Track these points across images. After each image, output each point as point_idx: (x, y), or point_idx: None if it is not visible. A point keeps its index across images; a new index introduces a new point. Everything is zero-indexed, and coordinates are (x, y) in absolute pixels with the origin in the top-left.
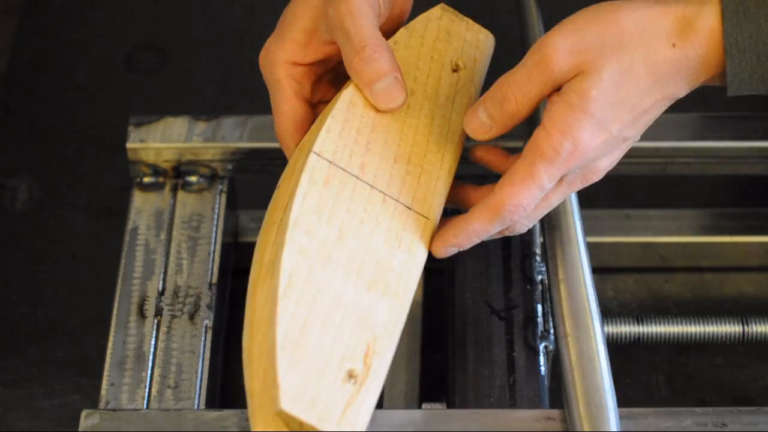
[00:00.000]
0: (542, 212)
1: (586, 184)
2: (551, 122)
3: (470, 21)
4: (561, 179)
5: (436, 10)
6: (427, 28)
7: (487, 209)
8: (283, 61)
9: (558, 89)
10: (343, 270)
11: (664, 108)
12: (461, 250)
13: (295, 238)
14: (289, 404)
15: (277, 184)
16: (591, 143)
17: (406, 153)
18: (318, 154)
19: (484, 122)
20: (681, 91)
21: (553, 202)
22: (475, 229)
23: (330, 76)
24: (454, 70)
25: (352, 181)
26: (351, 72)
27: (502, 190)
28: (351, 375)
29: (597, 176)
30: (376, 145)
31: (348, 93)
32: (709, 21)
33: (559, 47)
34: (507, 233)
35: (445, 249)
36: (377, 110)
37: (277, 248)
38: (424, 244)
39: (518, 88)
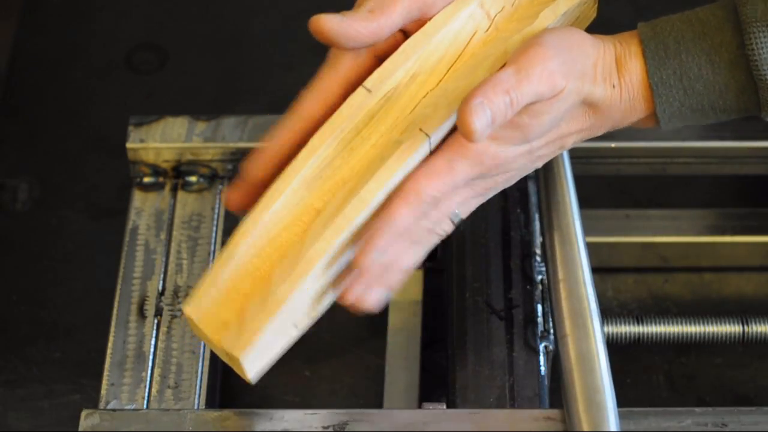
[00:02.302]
0: (441, 216)
1: (484, 198)
2: None
3: None
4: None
5: None
6: None
7: (407, 198)
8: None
9: None
10: None
11: (580, 141)
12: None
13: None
14: (246, 357)
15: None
16: (513, 152)
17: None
18: (428, 138)
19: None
20: (604, 129)
21: (452, 205)
22: (397, 224)
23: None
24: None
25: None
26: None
27: (420, 180)
28: (295, 326)
29: (497, 189)
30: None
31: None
32: (636, 62)
33: (548, 65)
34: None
35: (372, 258)
36: None
37: (333, 215)
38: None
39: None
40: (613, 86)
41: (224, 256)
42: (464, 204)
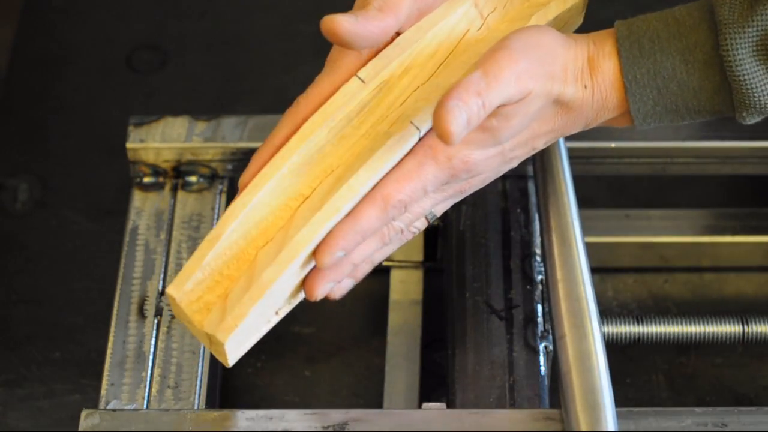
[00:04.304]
0: (413, 218)
1: (459, 197)
2: None
3: None
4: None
5: None
6: None
7: (374, 202)
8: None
9: None
10: None
11: (554, 141)
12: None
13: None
14: (230, 340)
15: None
16: (484, 154)
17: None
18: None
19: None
20: (576, 129)
21: (425, 207)
22: (362, 227)
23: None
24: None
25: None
26: None
27: (389, 184)
28: (276, 313)
29: (472, 189)
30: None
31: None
32: (610, 62)
33: (505, 69)
34: (382, 242)
35: (332, 257)
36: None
37: (326, 195)
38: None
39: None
40: (585, 86)
41: (210, 239)
42: (438, 205)
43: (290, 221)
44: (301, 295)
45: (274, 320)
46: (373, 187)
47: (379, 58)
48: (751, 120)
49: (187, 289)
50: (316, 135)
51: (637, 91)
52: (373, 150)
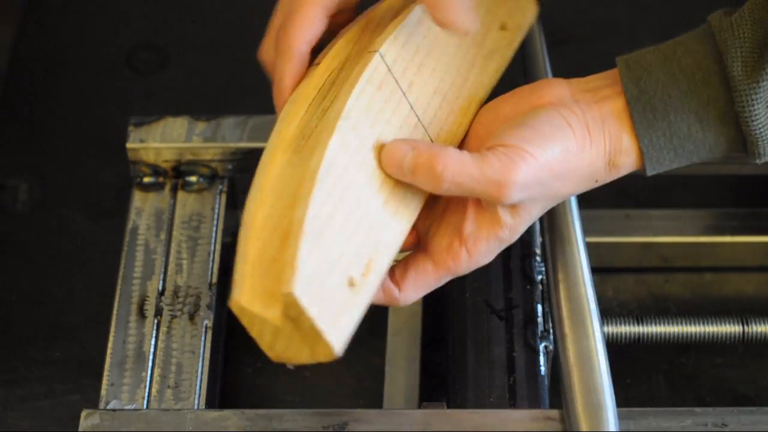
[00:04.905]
0: None
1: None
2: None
3: None
4: None
5: None
6: None
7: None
8: None
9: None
10: (369, 178)
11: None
12: None
13: (342, 130)
14: (300, 289)
15: (314, 62)
16: (486, 259)
17: (444, 89)
18: (381, 57)
19: (402, 165)
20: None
21: None
22: None
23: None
24: (502, 29)
25: (398, 95)
26: None
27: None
28: (351, 283)
29: None
30: (425, 69)
31: (419, 10)
32: (629, 158)
33: (517, 188)
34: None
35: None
36: (437, 38)
37: (320, 133)
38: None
39: (458, 184)
40: (596, 180)
41: (242, 233)
42: None
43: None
44: (379, 262)
45: (364, 286)
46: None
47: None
48: (765, 160)
49: (246, 288)
50: (298, 115)
51: (654, 154)
52: (340, 84)
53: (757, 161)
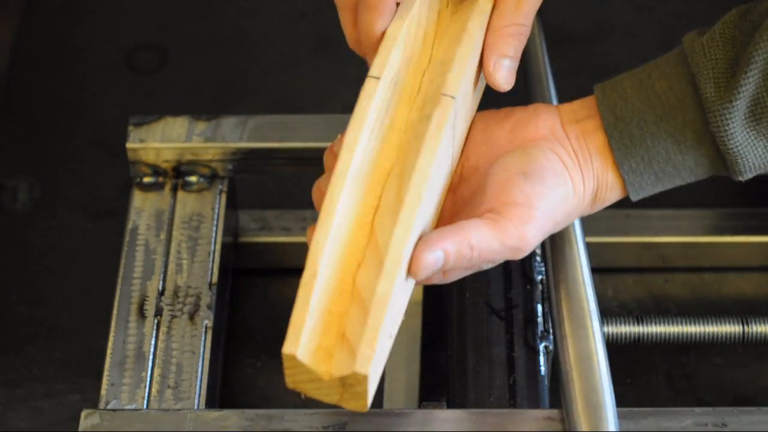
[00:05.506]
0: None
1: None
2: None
3: None
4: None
5: None
6: None
7: None
8: None
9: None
10: None
11: None
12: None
13: (418, 216)
14: (372, 369)
15: (368, 73)
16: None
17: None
18: (454, 100)
19: (436, 268)
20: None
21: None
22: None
23: None
24: None
25: (450, 145)
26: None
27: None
28: (390, 338)
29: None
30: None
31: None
32: (613, 192)
33: (532, 244)
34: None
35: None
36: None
37: (396, 212)
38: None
39: (483, 260)
40: (579, 215)
41: (306, 281)
42: None
43: (372, 235)
44: (402, 314)
45: (389, 345)
46: None
47: (380, 53)
48: (747, 177)
49: (303, 341)
50: (360, 143)
51: (635, 180)
52: (421, 136)
53: (740, 179)
